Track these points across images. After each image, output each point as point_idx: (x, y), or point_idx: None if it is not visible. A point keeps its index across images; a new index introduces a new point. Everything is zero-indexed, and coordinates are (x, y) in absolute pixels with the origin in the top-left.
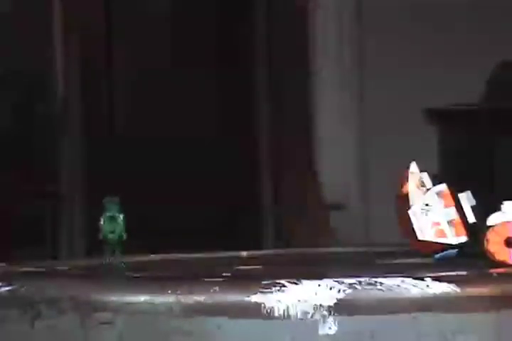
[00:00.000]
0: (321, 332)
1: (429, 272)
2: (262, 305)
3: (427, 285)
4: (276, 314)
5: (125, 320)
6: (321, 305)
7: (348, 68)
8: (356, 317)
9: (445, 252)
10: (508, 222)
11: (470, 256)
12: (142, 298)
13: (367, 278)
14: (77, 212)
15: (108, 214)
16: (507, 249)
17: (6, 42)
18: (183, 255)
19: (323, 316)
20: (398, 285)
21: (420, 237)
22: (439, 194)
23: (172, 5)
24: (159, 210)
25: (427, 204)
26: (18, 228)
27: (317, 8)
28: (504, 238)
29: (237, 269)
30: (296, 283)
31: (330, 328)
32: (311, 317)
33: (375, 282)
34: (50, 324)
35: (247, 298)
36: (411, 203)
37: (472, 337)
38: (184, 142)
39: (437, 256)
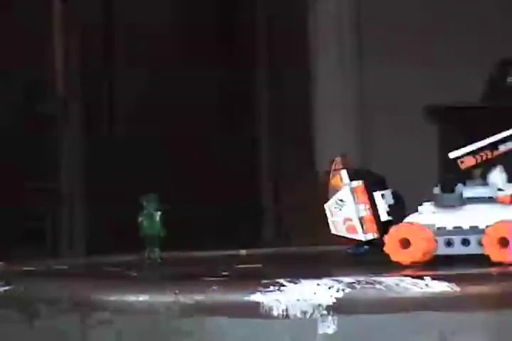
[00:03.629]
0: (320, 331)
1: (429, 271)
2: (261, 304)
3: (426, 284)
4: (275, 313)
5: (124, 319)
6: (320, 304)
7: (348, 68)
8: (355, 316)
9: (356, 248)
10: (404, 223)
11: (380, 254)
12: (141, 298)
13: (366, 277)
14: (77, 212)
15: (146, 211)
16: (403, 251)
17: (5, 42)
18: (183, 254)
19: (323, 315)
20: (397, 284)
21: (333, 231)
22: (353, 190)
23: (172, 5)
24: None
25: (341, 200)
26: (18, 227)
27: (317, 8)
28: (398, 239)
29: (237, 268)
30: (295, 283)
31: (329, 327)
32: (310, 316)
33: (374, 281)
34: (49, 323)
35: (246, 298)
36: (328, 198)
37: (472, 336)
38: (184, 142)
39: (349, 251)
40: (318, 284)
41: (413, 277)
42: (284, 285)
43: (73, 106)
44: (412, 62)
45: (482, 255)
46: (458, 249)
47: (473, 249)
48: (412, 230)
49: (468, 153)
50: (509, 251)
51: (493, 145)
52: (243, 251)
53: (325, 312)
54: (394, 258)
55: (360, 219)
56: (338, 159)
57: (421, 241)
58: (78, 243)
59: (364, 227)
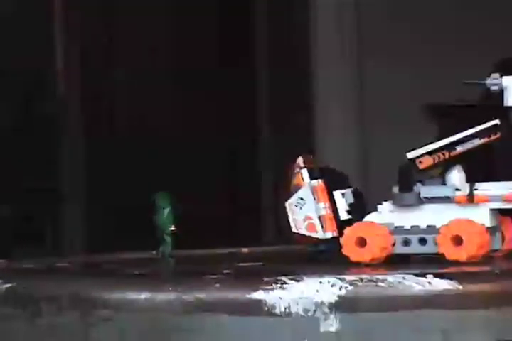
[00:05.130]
0: (322, 329)
1: (431, 269)
2: (263, 302)
3: (429, 282)
4: (277, 311)
5: (126, 317)
6: (322, 302)
7: (349, 68)
8: (358, 314)
9: (316, 246)
10: (358, 223)
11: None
12: (143, 295)
13: (368, 275)
14: (77, 212)
15: (156, 209)
16: (359, 249)
17: (6, 42)
18: (185, 252)
19: (325, 313)
20: (400, 282)
21: (294, 230)
22: (313, 189)
23: (172, 4)
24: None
25: (301, 198)
26: (18, 227)
27: (317, 8)
28: (354, 239)
29: (238, 266)
30: (297, 280)
31: (331, 325)
32: (313, 314)
33: (377, 279)
34: (50, 321)
35: (248, 295)
36: (290, 196)
37: (473, 335)
38: (184, 142)
39: (309, 249)
40: (320, 282)
41: (415, 275)
42: (286, 283)
43: (73, 106)
44: (412, 62)
45: (438, 254)
46: (415, 248)
47: (429, 248)
48: (367, 228)
49: (426, 153)
50: (463, 249)
51: (451, 146)
52: (245, 249)
53: (327, 310)
54: (353, 258)
55: (320, 218)
56: (300, 158)
57: (376, 237)
58: (78, 243)
59: (324, 226)
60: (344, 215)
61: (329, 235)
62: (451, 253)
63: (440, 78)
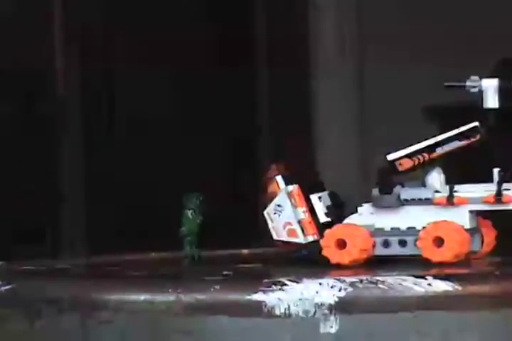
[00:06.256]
0: (322, 330)
1: (431, 270)
2: (263, 303)
3: (429, 284)
4: (277, 313)
5: (125, 318)
6: (322, 303)
7: (349, 68)
8: (357, 315)
9: (299, 251)
10: (338, 225)
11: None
12: (142, 297)
13: (368, 277)
14: (77, 212)
15: (184, 209)
16: (339, 251)
17: (6, 42)
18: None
19: (325, 315)
20: (400, 284)
21: (275, 237)
22: (289, 194)
23: (172, 5)
24: (159, 209)
25: (279, 205)
26: (18, 227)
27: (317, 8)
28: (334, 241)
29: (238, 267)
30: (297, 282)
31: (331, 327)
32: (313, 315)
33: (377, 280)
34: (50, 323)
35: (248, 297)
36: (268, 204)
37: (473, 336)
38: (184, 142)
39: (294, 254)
40: (320, 283)
41: (415, 276)
42: (286, 285)
43: (73, 106)
44: (412, 62)
45: (416, 255)
46: (395, 250)
47: (410, 250)
48: (347, 230)
49: (405, 156)
50: (446, 249)
51: (431, 148)
52: (245, 251)
53: (327, 311)
54: (333, 260)
55: (300, 222)
56: (273, 166)
57: (356, 239)
58: (78, 243)
59: (304, 230)
60: (323, 218)
61: (310, 239)
62: (435, 255)
63: (440, 78)
